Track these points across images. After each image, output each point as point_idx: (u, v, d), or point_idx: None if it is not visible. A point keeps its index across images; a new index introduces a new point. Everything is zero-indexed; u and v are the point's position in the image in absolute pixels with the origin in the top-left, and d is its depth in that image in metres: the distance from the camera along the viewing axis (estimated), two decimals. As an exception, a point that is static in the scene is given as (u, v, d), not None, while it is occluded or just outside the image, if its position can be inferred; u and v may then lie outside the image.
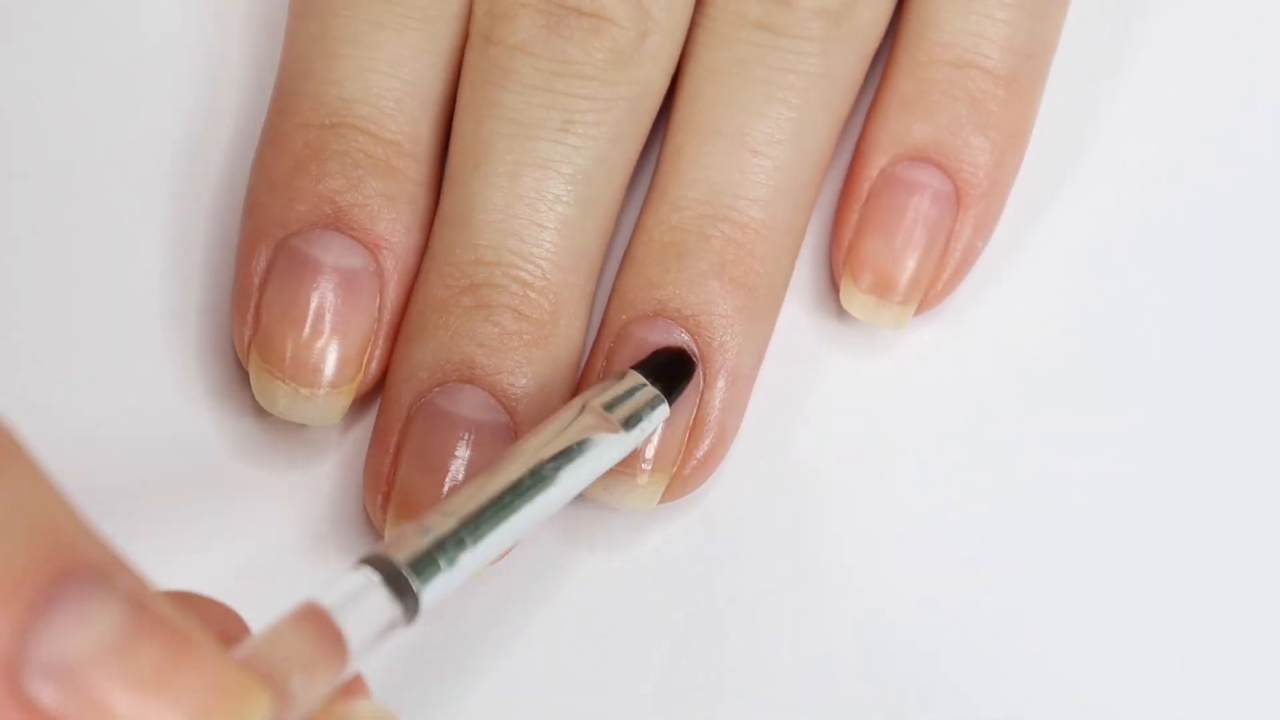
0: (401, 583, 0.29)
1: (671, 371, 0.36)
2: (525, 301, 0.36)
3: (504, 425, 0.36)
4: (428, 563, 0.30)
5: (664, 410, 0.35)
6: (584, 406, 0.34)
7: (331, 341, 0.36)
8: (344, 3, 0.37)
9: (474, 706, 0.36)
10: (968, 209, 0.38)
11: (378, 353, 0.37)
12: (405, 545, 0.30)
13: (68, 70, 0.40)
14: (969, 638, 0.37)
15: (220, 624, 0.29)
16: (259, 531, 0.37)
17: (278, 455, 0.38)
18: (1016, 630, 0.37)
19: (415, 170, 0.37)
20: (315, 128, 0.37)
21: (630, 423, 0.35)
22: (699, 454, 0.37)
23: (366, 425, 0.38)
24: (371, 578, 0.29)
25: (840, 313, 0.39)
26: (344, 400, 0.36)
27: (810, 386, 0.39)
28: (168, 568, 0.36)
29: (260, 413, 0.37)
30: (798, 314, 0.39)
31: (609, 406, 0.35)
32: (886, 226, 0.38)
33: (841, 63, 0.38)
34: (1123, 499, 0.38)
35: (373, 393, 0.37)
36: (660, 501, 0.37)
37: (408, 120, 0.37)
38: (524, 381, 0.36)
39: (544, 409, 0.36)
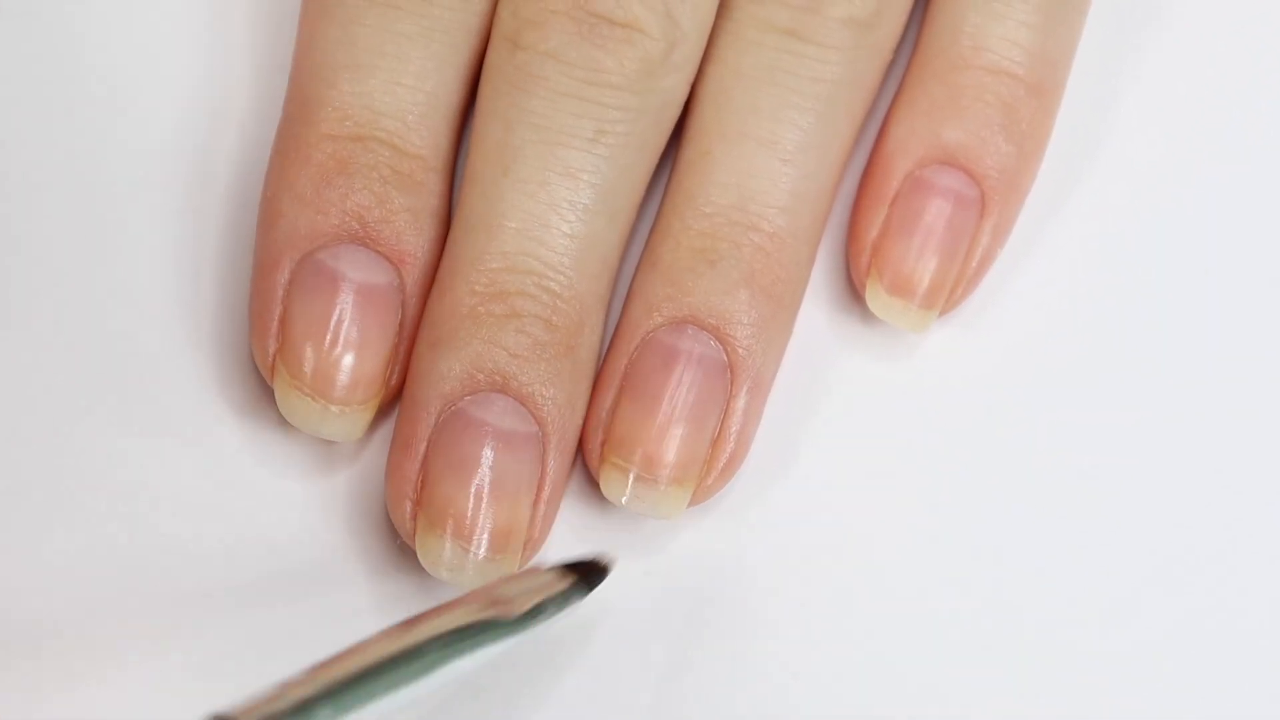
0: None
1: (589, 575, 0.35)
2: (555, 311, 0.36)
3: (534, 435, 0.36)
4: None
5: (576, 602, 0.34)
6: (491, 599, 0.33)
7: (358, 357, 0.36)
8: (369, 12, 0.36)
9: (474, 706, 0.37)
10: (990, 214, 0.38)
11: (398, 367, 0.37)
12: (261, 711, 0.29)
13: (69, 73, 0.39)
14: (983, 641, 0.38)
15: None
16: (276, 538, 0.37)
17: (291, 462, 0.37)
18: (1033, 634, 0.38)
19: (437, 184, 0.37)
20: (342, 139, 0.36)
21: (533, 613, 0.33)
22: (722, 462, 0.37)
23: (382, 432, 0.38)
24: None
25: (852, 314, 0.39)
26: (368, 415, 0.36)
27: (822, 388, 0.39)
28: (188, 577, 0.37)
29: (275, 420, 0.37)
30: (811, 315, 0.39)
31: (518, 596, 0.34)
32: (917, 230, 0.38)
33: (866, 71, 0.38)
34: (1144, 502, 0.38)
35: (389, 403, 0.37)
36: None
37: (431, 133, 0.37)
38: (553, 392, 0.36)
39: (569, 418, 0.36)
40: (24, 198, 0.38)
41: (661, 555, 0.38)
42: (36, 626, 0.36)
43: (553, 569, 0.35)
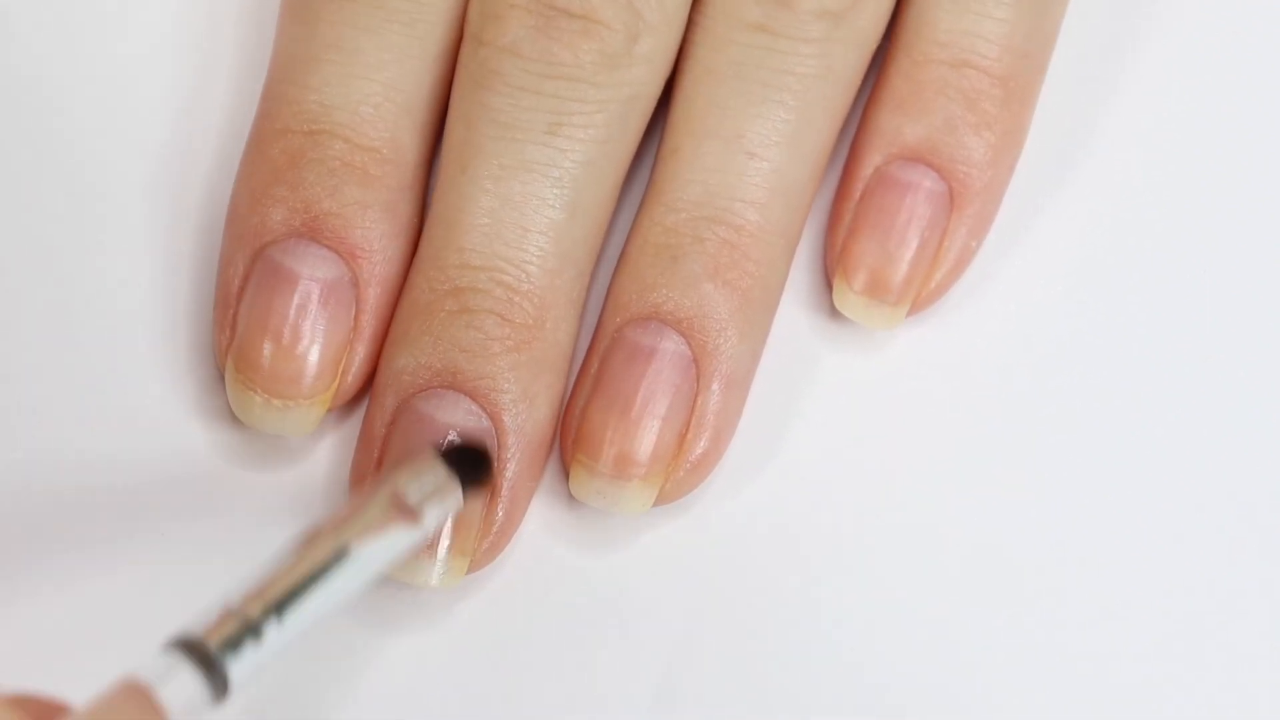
0: (212, 663, 0.30)
1: (472, 461, 0.35)
2: (509, 306, 0.36)
3: (485, 430, 0.36)
4: (236, 644, 0.30)
5: (458, 498, 0.34)
6: (391, 492, 0.34)
7: (304, 353, 0.36)
8: (331, 7, 0.37)
9: (473, 707, 0.37)
10: (961, 209, 0.38)
11: (355, 363, 0.36)
12: (216, 629, 0.30)
13: (56, 73, 0.39)
14: (968, 637, 0.37)
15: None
16: (248, 534, 0.37)
17: (266, 458, 0.37)
18: (1017, 630, 0.37)
19: (395, 177, 0.37)
20: (295, 134, 0.36)
21: (426, 511, 0.34)
22: (692, 457, 0.36)
23: (356, 427, 0.37)
24: (183, 660, 0.30)
25: (834, 313, 0.39)
26: (317, 411, 0.36)
27: (805, 386, 0.39)
28: (158, 573, 0.37)
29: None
30: (793, 314, 0.39)
31: (411, 491, 0.34)
32: (879, 227, 0.38)
33: (841, 64, 0.37)
34: (1120, 497, 0.38)
35: (362, 396, 0.37)
36: (655, 505, 0.37)
37: (387, 126, 0.37)
38: (506, 386, 0.36)
39: (527, 412, 0.36)
40: (3, 195, 0.38)
41: (657, 555, 0.38)
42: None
43: (438, 469, 0.34)
